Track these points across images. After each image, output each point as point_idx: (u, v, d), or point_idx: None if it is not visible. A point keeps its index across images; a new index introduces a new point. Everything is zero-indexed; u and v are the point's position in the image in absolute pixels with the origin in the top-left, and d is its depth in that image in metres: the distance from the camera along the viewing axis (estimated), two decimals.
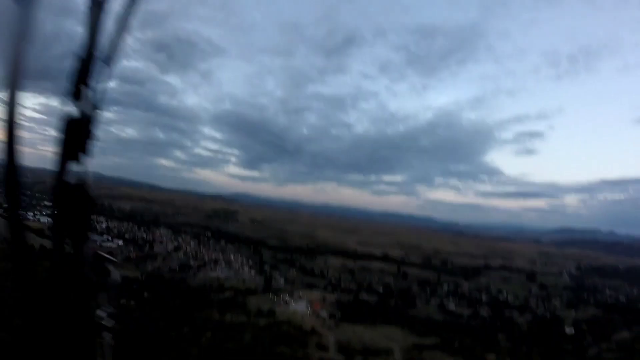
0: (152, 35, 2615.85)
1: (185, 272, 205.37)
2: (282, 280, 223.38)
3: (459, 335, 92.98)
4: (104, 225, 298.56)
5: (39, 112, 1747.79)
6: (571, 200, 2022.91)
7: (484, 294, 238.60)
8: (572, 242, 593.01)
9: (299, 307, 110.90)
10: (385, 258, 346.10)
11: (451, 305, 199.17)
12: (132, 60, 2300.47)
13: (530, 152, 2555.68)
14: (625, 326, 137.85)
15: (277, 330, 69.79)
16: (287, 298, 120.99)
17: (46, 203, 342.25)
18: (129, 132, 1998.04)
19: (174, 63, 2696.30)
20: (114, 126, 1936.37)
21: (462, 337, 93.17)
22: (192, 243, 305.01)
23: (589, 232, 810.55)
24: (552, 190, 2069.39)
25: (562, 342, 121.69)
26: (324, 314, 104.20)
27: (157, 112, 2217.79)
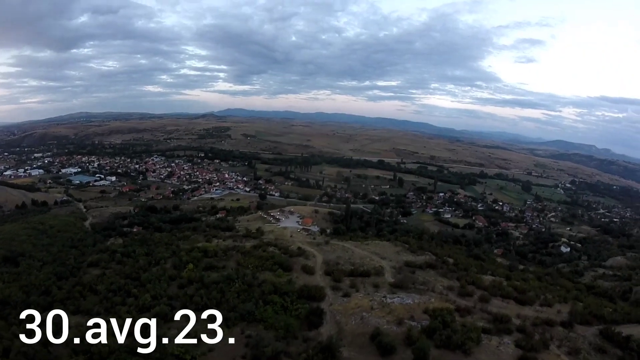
0: None
1: (178, 197, 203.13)
2: (277, 194, 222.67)
3: (454, 252, 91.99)
4: (95, 164, 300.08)
5: (13, 65, 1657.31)
6: (569, 113, 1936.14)
7: (479, 203, 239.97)
8: (567, 155, 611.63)
9: (290, 223, 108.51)
10: (381, 165, 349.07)
11: (447, 215, 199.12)
12: None
13: (529, 60, 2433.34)
14: (620, 250, 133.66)
15: (262, 254, 66.91)
16: (279, 214, 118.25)
17: (35, 155, 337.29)
18: (111, 64, 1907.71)
19: None
20: (93, 62, 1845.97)
21: (457, 252, 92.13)
22: (185, 167, 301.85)
23: (585, 147, 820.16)
24: (550, 102, 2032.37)
25: (557, 261, 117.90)
26: (314, 229, 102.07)
27: (136, 39, 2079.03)
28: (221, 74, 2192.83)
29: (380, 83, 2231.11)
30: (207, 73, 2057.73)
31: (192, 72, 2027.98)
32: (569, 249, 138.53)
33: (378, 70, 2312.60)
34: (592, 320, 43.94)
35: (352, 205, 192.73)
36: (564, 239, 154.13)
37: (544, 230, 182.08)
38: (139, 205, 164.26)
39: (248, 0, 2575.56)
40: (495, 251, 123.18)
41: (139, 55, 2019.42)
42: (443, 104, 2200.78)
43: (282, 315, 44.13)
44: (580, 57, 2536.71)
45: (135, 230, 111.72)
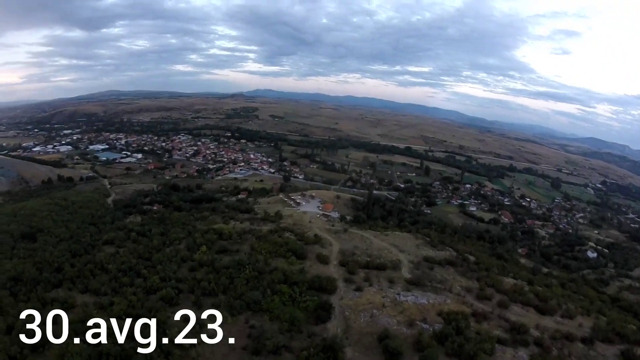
0: None
1: (202, 176, 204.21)
2: (301, 177, 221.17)
3: (476, 249, 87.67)
4: (122, 142, 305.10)
5: (44, 45, 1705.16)
6: (604, 110, 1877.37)
7: (506, 197, 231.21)
8: (599, 154, 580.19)
9: (310, 208, 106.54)
10: (408, 152, 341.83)
11: (472, 208, 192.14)
12: None
13: (565, 52, 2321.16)
14: None
15: (277, 239, 65.21)
16: (300, 198, 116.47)
17: (65, 132, 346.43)
18: (141, 43, 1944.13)
19: None
20: (123, 41, 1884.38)
21: (480, 249, 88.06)
22: (211, 146, 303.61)
23: (618, 147, 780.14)
24: (585, 97, 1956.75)
25: (582, 267, 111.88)
26: (334, 215, 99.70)
27: (166, 18, 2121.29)
28: (251, 55, 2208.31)
29: (411, 68, 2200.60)
30: (237, 53, 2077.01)
31: (222, 52, 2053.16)
32: (595, 255, 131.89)
33: (409, 55, 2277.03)
34: (614, 338, 40.67)
35: (376, 192, 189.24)
36: (591, 243, 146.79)
37: (571, 231, 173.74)
38: (163, 183, 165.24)
39: None
40: (520, 250, 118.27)
41: (168, 35, 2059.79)
42: (474, 92, 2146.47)
43: (289, 307, 42.46)
44: (618, 52, 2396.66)
45: (155, 208, 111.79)
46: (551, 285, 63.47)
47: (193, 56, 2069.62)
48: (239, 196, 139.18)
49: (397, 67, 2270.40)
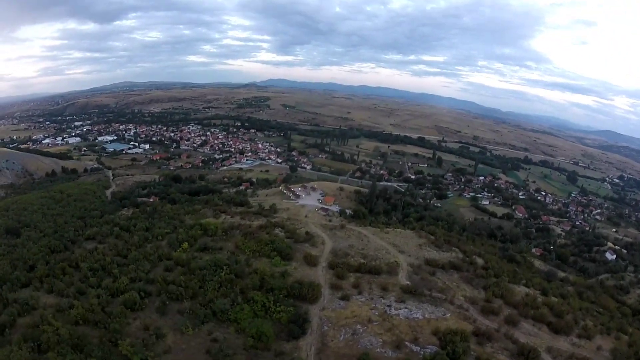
0: None
1: (207, 166, 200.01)
2: (308, 167, 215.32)
3: (486, 249, 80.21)
4: (131, 132, 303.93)
5: (58, 38, 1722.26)
6: (621, 103, 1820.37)
7: (521, 191, 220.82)
8: (616, 148, 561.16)
9: (310, 201, 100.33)
10: (421, 142, 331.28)
11: (485, 201, 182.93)
12: None
13: (583, 42, 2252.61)
14: None
15: (263, 237, 59.52)
16: (300, 190, 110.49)
17: (75, 124, 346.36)
18: (154, 35, 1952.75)
19: None
20: (137, 33, 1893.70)
21: (490, 250, 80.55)
22: (220, 136, 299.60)
23: (636, 140, 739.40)
24: (602, 89, 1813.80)
25: (601, 270, 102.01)
26: (334, 209, 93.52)
27: (179, 9, 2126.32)
28: (264, 44, 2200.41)
29: (426, 58, 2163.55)
30: (250, 43, 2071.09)
31: (235, 42, 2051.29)
32: (614, 257, 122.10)
33: (424, 45, 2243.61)
34: None
35: (385, 183, 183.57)
36: (609, 244, 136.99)
37: (588, 229, 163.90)
38: (165, 174, 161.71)
39: None
40: (534, 250, 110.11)
41: (182, 26, 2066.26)
42: (490, 82, 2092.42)
43: (259, 319, 36.83)
44: (636, 42, 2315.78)
45: (151, 200, 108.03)
46: (567, 295, 56.76)
47: (206, 47, 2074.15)
48: (240, 187, 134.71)
49: (412, 57, 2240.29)
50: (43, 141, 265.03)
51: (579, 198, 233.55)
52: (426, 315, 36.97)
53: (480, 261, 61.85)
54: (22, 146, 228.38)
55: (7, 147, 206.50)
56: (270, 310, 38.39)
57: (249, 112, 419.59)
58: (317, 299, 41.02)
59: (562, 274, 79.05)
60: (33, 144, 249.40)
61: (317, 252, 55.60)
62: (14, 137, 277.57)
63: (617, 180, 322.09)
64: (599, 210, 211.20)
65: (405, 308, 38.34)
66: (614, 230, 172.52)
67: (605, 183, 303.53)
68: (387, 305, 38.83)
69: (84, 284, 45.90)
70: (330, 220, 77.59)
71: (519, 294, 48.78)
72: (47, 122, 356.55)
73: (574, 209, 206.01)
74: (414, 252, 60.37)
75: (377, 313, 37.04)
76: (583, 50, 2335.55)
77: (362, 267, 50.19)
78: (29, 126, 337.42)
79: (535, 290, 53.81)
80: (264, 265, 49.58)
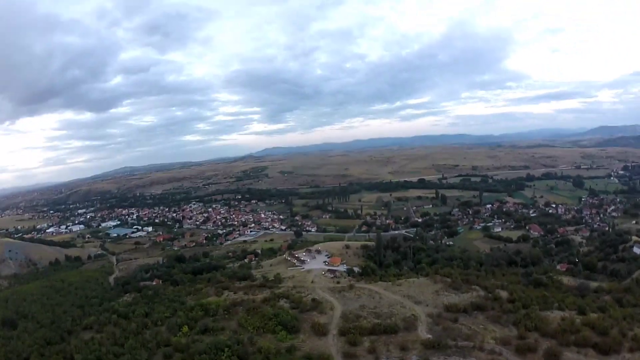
0: (140, 21, 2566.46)
1: (211, 242, 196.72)
2: (313, 230, 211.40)
3: (508, 279, 74.32)
4: (134, 216, 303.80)
5: (57, 129, 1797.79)
6: (605, 96, 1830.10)
7: (531, 209, 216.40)
8: (613, 141, 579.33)
9: (316, 264, 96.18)
10: (422, 184, 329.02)
11: (497, 228, 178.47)
12: (129, 51, 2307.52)
13: (555, 50, 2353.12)
14: None
15: (267, 311, 55.55)
16: (304, 255, 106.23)
17: (79, 211, 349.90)
18: (149, 119, 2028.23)
19: (170, 41, 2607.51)
20: (132, 118, 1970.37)
21: (513, 280, 74.40)
22: (222, 210, 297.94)
23: (629, 128, 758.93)
24: (583, 88, 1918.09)
25: (632, 268, 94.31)
26: (342, 269, 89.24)
27: (170, 93, 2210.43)
28: (255, 116, 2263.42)
29: (411, 101, 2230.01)
30: (241, 117, 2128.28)
31: (227, 118, 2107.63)
32: None
33: (407, 89, 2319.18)
34: None
35: (393, 232, 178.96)
36: (634, 237, 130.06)
37: (607, 229, 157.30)
38: (169, 255, 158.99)
39: (269, 41, 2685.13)
40: (559, 267, 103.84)
41: (174, 108, 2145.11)
42: (477, 111, 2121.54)
43: None
44: (604, 36, 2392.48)
45: (154, 283, 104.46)
46: (606, 307, 51.58)
47: (200, 125, 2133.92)
48: (245, 260, 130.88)
49: (398, 103, 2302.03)
50: (47, 230, 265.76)
51: (591, 200, 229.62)
52: None
53: (504, 294, 57.29)
54: (26, 236, 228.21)
55: (12, 237, 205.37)
56: None
57: (248, 183, 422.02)
58: None
59: (594, 284, 72.88)
60: (37, 234, 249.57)
61: (326, 319, 51.23)
62: (19, 227, 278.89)
63: (622, 172, 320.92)
64: (613, 207, 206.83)
65: None
66: (634, 222, 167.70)
67: (612, 178, 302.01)
68: None
69: None
70: (338, 282, 73.23)
71: (555, 321, 44.45)
72: (51, 211, 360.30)
73: (588, 212, 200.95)
74: (431, 300, 56.00)
75: None
76: (557, 58, 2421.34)
77: (376, 328, 45.68)
78: (33, 216, 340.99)
79: (571, 311, 49.23)
80: (268, 342, 45.32)
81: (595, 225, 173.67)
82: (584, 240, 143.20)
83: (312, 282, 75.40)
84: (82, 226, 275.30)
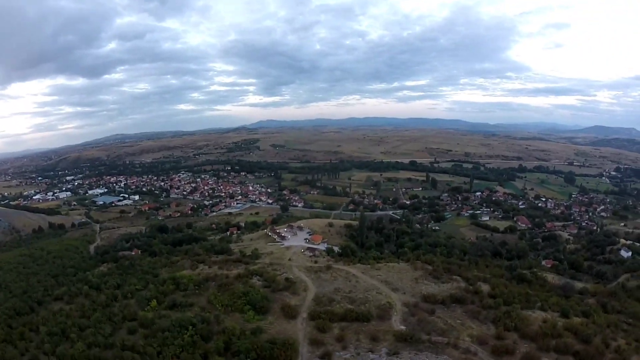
0: None
1: (197, 213, 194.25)
2: (300, 205, 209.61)
3: (491, 272, 72.87)
4: (122, 184, 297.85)
5: (49, 94, 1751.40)
6: (604, 97, 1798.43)
7: (520, 201, 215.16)
8: (607, 141, 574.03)
9: (296, 241, 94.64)
10: (413, 166, 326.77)
11: (485, 217, 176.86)
12: (125, 17, 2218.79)
13: (558, 45, 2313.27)
14: None
15: (238, 289, 53.99)
16: (285, 231, 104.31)
17: (67, 178, 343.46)
18: (142, 86, 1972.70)
19: (167, 8, 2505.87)
20: (125, 85, 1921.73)
21: (496, 273, 72.95)
22: (210, 181, 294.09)
23: (624, 131, 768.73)
24: (583, 86, 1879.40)
25: (619, 271, 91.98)
26: (322, 247, 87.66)
27: (164, 60, 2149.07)
28: (250, 88, 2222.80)
29: (409, 83, 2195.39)
30: (237, 88, 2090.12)
31: (222, 88, 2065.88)
32: (630, 253, 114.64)
33: (405, 71, 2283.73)
34: None
35: (380, 212, 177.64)
36: (622, 240, 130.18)
37: (596, 229, 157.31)
38: (152, 224, 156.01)
39: (268, 13, 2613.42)
40: (544, 262, 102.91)
41: (168, 76, 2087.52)
42: (475, 98, 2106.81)
43: None
44: (608, 36, 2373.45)
45: (133, 253, 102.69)
46: (590, 312, 50.00)
47: (194, 94, 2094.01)
48: (227, 233, 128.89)
49: (395, 84, 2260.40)
50: (34, 197, 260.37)
51: (580, 198, 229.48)
52: None
53: (486, 288, 55.69)
54: (12, 203, 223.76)
55: None
56: None
57: (239, 155, 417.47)
58: None
59: (579, 285, 72.17)
60: (24, 201, 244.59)
61: (298, 301, 49.53)
62: (5, 193, 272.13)
63: (614, 173, 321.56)
64: (602, 207, 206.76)
65: None
66: (622, 224, 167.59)
67: (604, 178, 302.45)
68: None
69: (39, 350, 42.58)
70: (315, 262, 71.65)
71: (536, 322, 42.81)
72: (39, 178, 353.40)
73: (577, 209, 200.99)
74: (410, 288, 54.41)
75: None
76: (559, 53, 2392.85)
77: (348, 314, 44.04)
78: (21, 182, 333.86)
79: (554, 312, 47.73)
80: (235, 322, 43.55)
81: (583, 223, 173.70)
82: (571, 238, 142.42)
83: (290, 259, 73.79)
84: (69, 193, 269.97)
